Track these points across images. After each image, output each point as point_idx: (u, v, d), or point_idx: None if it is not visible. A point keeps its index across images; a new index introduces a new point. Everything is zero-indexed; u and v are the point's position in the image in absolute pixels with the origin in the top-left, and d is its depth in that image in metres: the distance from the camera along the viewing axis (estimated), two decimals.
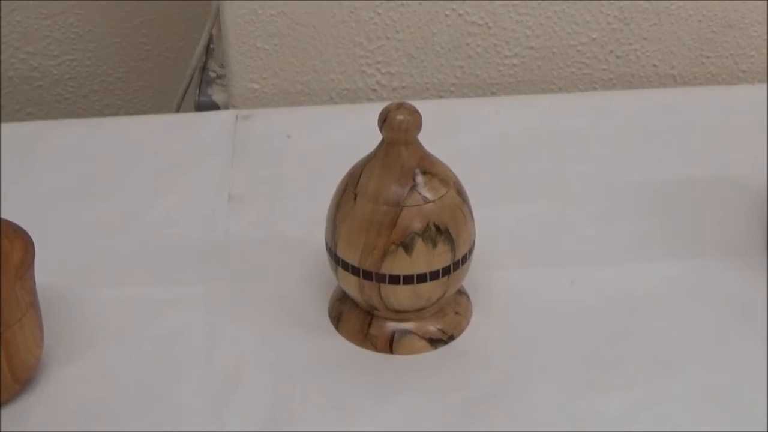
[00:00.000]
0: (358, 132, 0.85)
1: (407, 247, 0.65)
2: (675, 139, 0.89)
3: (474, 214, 0.75)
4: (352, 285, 0.67)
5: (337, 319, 0.70)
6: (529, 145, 0.88)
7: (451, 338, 0.70)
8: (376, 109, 0.93)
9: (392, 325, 0.69)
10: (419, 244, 0.65)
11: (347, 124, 0.88)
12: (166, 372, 0.67)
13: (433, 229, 0.65)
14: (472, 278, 0.74)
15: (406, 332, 0.69)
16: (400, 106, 0.64)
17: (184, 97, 1.18)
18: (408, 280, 0.66)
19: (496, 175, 0.84)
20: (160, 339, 0.69)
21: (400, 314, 0.68)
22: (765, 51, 1.05)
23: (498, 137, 0.89)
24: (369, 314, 0.69)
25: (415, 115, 0.64)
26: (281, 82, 1.03)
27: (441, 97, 1.06)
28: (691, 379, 0.67)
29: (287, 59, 1.02)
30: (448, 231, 0.65)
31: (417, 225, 0.65)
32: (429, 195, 0.65)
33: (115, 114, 1.42)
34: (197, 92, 1.12)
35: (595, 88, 1.06)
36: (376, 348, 0.69)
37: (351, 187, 0.66)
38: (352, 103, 1.05)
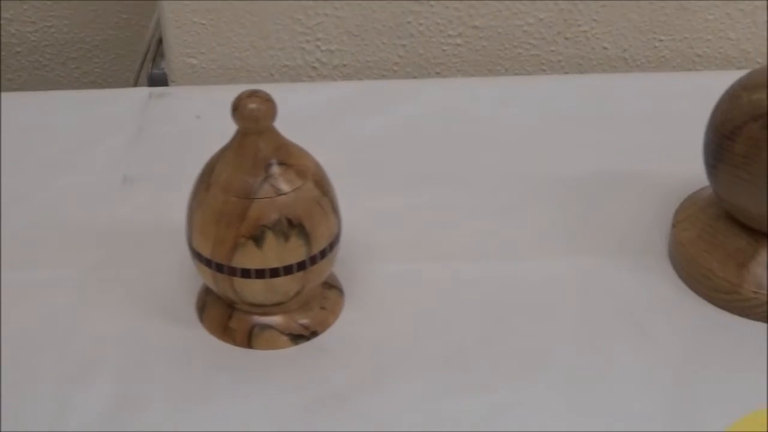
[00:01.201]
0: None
1: (257, 240, 0.62)
2: (604, 129, 0.86)
3: (366, 203, 0.72)
4: (207, 277, 0.65)
5: (201, 310, 0.69)
6: (446, 131, 0.85)
7: (314, 334, 0.67)
8: (298, 89, 0.91)
9: (252, 319, 0.67)
10: (270, 238, 0.62)
11: None
12: (19, 358, 0.65)
13: (285, 222, 0.62)
14: (350, 271, 0.71)
15: (266, 326, 0.67)
16: (253, 94, 0.62)
17: (141, 70, 1.16)
18: (260, 274, 0.63)
19: (402, 161, 0.81)
20: (18, 324, 0.67)
21: (261, 308, 0.66)
22: (723, 35, 1.00)
23: (416, 120, 0.87)
24: (230, 307, 0.67)
25: (269, 103, 0.62)
26: (219, 58, 1.01)
27: (384, 76, 1.03)
28: (562, 383, 0.64)
29: (225, 34, 1.00)
30: (302, 225, 0.63)
31: (268, 218, 0.62)
32: (283, 187, 0.63)
33: (94, 82, 1.41)
34: (151, 65, 1.10)
35: (543, 70, 1.03)
36: (235, 342, 0.67)
37: (206, 176, 0.64)
38: (292, 81, 1.03)
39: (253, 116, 0.62)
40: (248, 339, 0.67)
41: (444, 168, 0.81)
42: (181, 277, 0.70)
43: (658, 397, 0.63)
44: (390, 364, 0.65)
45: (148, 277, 0.71)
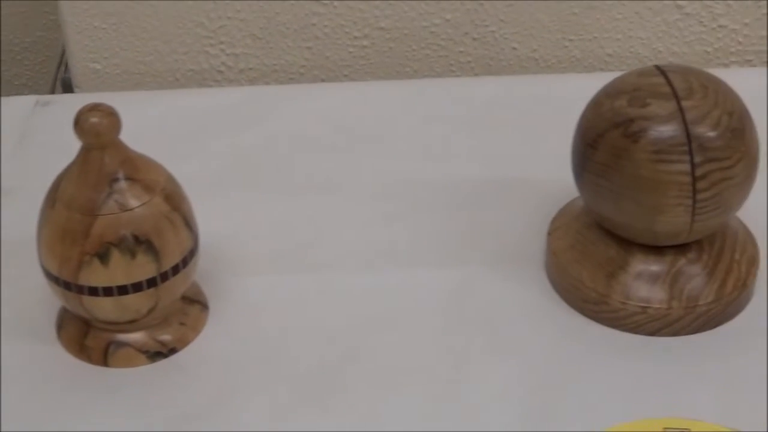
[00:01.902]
0: (159, 124, 0.81)
1: (103, 257, 0.61)
2: (495, 134, 0.84)
3: (242, 214, 0.71)
4: (59, 295, 0.63)
5: (59, 328, 0.67)
6: (334, 137, 0.83)
7: (173, 351, 0.66)
8: (194, 95, 0.90)
9: (108, 337, 0.66)
10: (116, 255, 0.61)
11: (150, 114, 0.84)
12: None
13: (131, 239, 0.61)
14: (217, 285, 0.70)
15: (122, 344, 0.65)
16: (95, 108, 0.60)
17: (56, 75, 1.15)
18: (108, 291, 0.62)
19: (285, 168, 0.80)
20: None
21: (117, 325, 0.64)
22: (633, 34, 0.99)
23: (304, 126, 0.86)
24: (87, 324, 0.65)
25: (111, 117, 0.60)
26: (123, 63, 1.00)
27: (291, 79, 1.02)
28: (424, 396, 0.63)
29: (127, 39, 0.99)
30: (150, 241, 0.61)
31: (113, 235, 0.61)
32: (129, 202, 0.61)
33: (25, 84, 1.40)
34: (63, 69, 1.09)
35: (453, 71, 1.01)
36: (90, 360, 0.66)
37: (52, 193, 0.63)
38: (199, 86, 1.01)
39: (94, 131, 0.61)
40: (104, 357, 0.65)
41: (329, 175, 0.79)
42: (45, 293, 0.68)
43: (517, 408, 0.62)
44: (248, 381, 0.64)
45: (14, 293, 0.69)
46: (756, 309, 0.68)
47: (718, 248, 0.68)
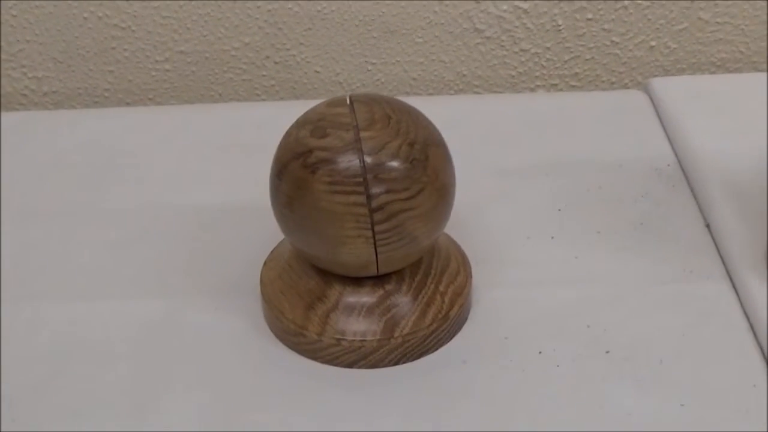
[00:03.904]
0: None
1: None
2: (242, 158, 0.83)
3: None
4: None
5: None
6: (84, 164, 0.83)
7: None
8: None
9: None
10: None
11: None
12: None
13: None
14: None
15: None
16: None
17: None
18: None
19: (21, 196, 0.79)
20: None
21: None
22: (435, 57, 0.98)
23: (56, 154, 0.85)
24: None
25: None
26: None
27: (96, 102, 1.01)
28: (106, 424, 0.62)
29: None
30: None
31: None
32: None
33: None
34: None
35: (258, 95, 1.00)
36: None
37: None
38: (6, 109, 1.01)
39: None
40: None
41: (67, 202, 0.79)
42: None
43: None
44: None
45: None
46: (462, 340, 0.66)
47: (420, 279, 0.67)
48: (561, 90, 1.00)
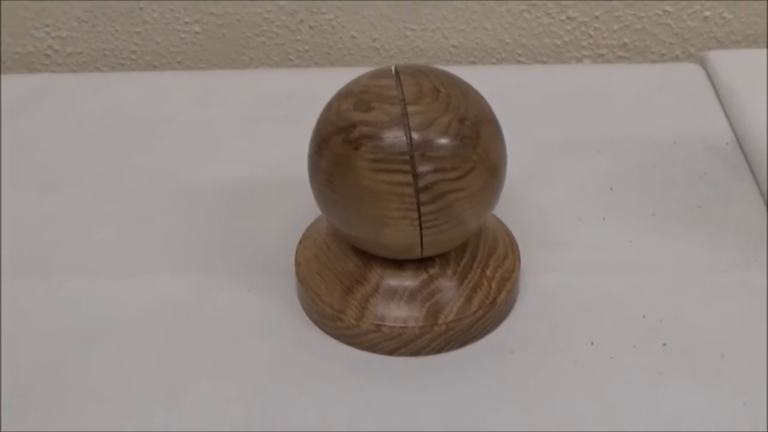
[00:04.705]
0: None
1: None
2: (277, 132, 0.79)
3: None
4: None
5: None
6: (109, 131, 0.79)
7: None
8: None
9: None
10: None
11: None
12: None
13: None
14: None
15: None
16: None
17: None
18: None
19: (47, 164, 0.75)
20: None
21: None
22: (478, 25, 0.93)
23: (83, 119, 0.82)
24: None
25: None
26: None
27: (123, 65, 0.97)
28: (141, 405, 0.59)
29: None
30: None
31: None
32: None
33: None
34: None
35: (291, 60, 0.96)
36: None
37: None
38: (28, 70, 0.97)
39: None
40: None
41: (91, 172, 0.75)
42: None
43: (232, 423, 0.57)
44: None
45: None
46: (509, 328, 0.62)
47: (466, 263, 0.63)
48: (608, 61, 0.95)
